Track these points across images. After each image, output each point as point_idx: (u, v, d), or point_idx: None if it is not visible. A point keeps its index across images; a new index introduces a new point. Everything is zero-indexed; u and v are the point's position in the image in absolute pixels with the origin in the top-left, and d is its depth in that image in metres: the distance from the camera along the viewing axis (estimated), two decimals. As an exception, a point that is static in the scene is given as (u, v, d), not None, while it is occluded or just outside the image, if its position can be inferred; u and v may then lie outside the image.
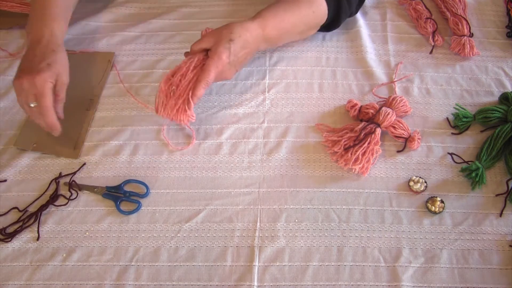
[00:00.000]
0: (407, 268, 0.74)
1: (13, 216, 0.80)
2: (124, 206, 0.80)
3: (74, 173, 0.84)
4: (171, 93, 0.81)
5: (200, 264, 0.75)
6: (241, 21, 0.84)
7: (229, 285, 0.73)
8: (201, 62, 0.82)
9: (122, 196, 0.80)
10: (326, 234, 0.77)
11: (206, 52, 0.83)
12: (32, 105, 0.78)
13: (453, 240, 0.76)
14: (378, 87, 0.93)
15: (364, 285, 0.73)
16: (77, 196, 0.82)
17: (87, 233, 0.78)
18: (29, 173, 0.84)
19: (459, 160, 0.84)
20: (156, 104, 0.83)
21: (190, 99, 0.80)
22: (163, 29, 1.03)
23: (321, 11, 0.90)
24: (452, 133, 0.87)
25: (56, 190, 0.82)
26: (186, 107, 0.80)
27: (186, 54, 0.86)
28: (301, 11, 0.88)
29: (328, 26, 0.95)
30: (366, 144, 0.82)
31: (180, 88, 0.81)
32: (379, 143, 0.83)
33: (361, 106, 0.88)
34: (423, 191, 0.80)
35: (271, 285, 0.73)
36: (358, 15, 1.01)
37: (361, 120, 0.87)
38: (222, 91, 0.93)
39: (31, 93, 0.78)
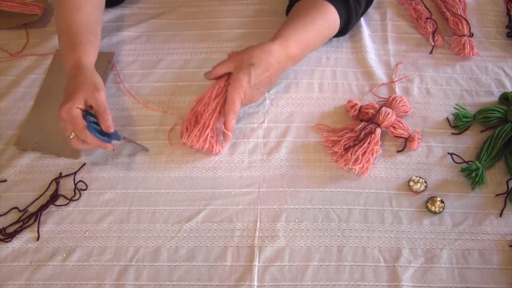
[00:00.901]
0: (407, 268, 0.74)
1: (13, 216, 0.80)
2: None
3: (74, 173, 0.84)
4: (194, 122, 0.83)
5: (200, 264, 0.75)
6: (262, 44, 0.84)
7: (229, 285, 0.73)
8: (222, 90, 0.83)
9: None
10: (326, 234, 0.77)
11: (228, 76, 0.84)
12: (71, 136, 0.78)
13: (453, 240, 0.76)
14: (378, 87, 0.93)
15: (364, 285, 0.73)
16: (80, 196, 0.82)
17: (87, 233, 0.78)
18: (29, 173, 0.84)
19: (459, 160, 0.84)
20: (181, 132, 0.84)
21: (225, 130, 0.83)
22: (163, 29, 1.03)
23: (335, 25, 0.90)
24: (452, 133, 0.87)
25: (56, 190, 0.82)
26: (212, 138, 0.82)
27: (206, 74, 0.86)
28: (318, 27, 0.88)
29: (336, 35, 0.95)
30: (366, 144, 0.82)
31: (204, 117, 0.82)
32: (379, 143, 0.83)
33: (361, 106, 0.88)
34: (423, 191, 0.80)
35: (271, 285, 0.73)
36: (359, 15, 1.01)
37: (361, 120, 0.87)
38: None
39: (67, 126, 0.78)
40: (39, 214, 0.79)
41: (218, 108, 0.83)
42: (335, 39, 0.99)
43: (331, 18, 0.89)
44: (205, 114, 0.82)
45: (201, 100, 0.84)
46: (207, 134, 0.82)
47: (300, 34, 0.86)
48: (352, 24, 0.94)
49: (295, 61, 0.89)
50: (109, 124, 0.79)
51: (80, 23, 0.86)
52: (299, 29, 0.87)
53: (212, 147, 0.83)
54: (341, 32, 0.95)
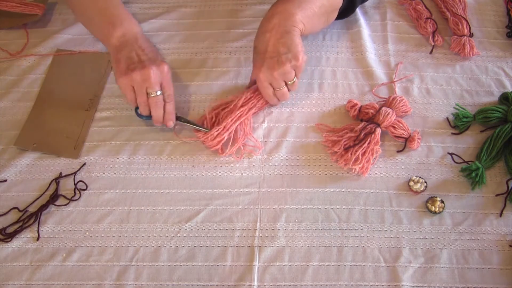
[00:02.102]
0: (407, 268, 0.74)
1: (13, 216, 0.80)
2: None
3: (74, 173, 0.84)
4: (214, 122, 0.86)
5: (200, 264, 0.75)
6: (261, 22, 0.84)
7: (229, 285, 0.73)
8: (248, 100, 0.87)
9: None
10: (326, 234, 0.77)
11: (256, 88, 0.88)
12: (159, 93, 0.82)
13: (453, 240, 0.76)
14: (378, 87, 0.93)
15: (364, 285, 0.73)
16: (80, 196, 0.82)
17: (87, 233, 0.78)
18: (29, 173, 0.84)
19: (459, 160, 0.84)
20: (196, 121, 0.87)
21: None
22: (163, 29, 1.03)
23: None
24: (452, 133, 0.87)
25: (56, 190, 0.82)
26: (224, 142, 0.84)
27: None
28: None
29: (343, 12, 0.93)
30: (366, 144, 0.82)
31: (226, 121, 0.84)
32: (379, 143, 0.83)
33: (361, 106, 0.88)
34: (423, 191, 0.80)
35: (271, 285, 0.73)
36: (359, 15, 1.01)
37: (361, 120, 0.87)
38: (222, 91, 0.93)
39: (156, 83, 0.81)
40: (39, 214, 0.79)
41: (241, 118, 0.85)
42: (335, 38, 0.99)
43: None
44: (228, 119, 0.84)
45: (226, 104, 0.87)
46: (224, 137, 0.83)
47: None
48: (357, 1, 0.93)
49: (291, 12, 0.82)
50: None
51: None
52: None
53: (222, 150, 0.84)
54: (349, 7, 0.93)
